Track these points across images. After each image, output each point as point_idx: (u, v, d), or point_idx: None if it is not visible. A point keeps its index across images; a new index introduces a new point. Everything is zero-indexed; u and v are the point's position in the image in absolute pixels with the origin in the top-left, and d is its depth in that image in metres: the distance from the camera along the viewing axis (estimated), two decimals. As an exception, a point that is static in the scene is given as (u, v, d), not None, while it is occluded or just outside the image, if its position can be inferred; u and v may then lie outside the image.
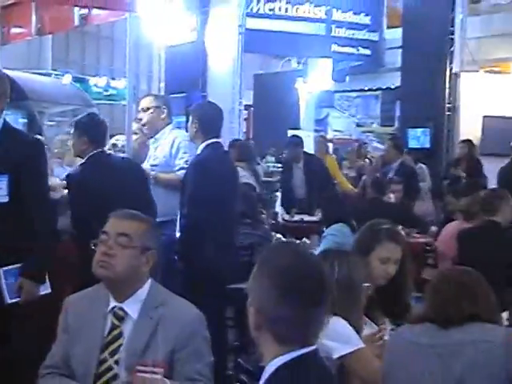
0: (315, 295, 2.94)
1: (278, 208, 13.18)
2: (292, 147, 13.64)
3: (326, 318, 3.11)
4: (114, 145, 8.95)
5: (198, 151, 7.61)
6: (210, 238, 7.20)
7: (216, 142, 7.70)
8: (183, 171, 7.87)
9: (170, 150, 8.14)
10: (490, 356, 3.80)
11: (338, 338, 4.35)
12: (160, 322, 4.13)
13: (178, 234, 7.59)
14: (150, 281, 4.28)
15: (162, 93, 16.37)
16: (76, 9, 10.96)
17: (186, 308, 4.29)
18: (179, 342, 4.07)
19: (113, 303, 4.20)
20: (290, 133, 16.94)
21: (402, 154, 13.25)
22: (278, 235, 10.15)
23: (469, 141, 14.56)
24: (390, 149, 13.40)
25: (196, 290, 6.47)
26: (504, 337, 3.89)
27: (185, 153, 8.15)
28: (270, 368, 2.88)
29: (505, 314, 5.12)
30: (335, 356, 4.32)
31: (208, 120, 7.83)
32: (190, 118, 7.76)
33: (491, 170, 13.00)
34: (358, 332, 4.53)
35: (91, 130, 7.01)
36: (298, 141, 13.87)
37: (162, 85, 16.66)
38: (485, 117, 15.95)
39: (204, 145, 7.58)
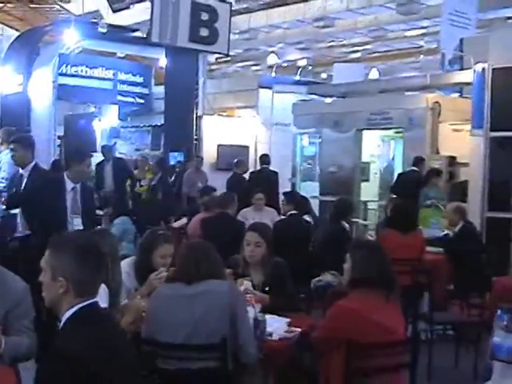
0: (102, 261, 3.06)
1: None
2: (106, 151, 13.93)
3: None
4: None
5: (29, 168, 7.54)
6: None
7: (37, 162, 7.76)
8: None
9: None
10: (219, 301, 3.99)
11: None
12: None
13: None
14: None
15: (-2, 128, 15.95)
16: None
17: (16, 280, 4.16)
18: (12, 306, 3.97)
19: None
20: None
21: (160, 171, 13.43)
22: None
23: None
24: (154, 166, 13.54)
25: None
26: (228, 288, 4.12)
27: (4, 171, 8.11)
28: (68, 314, 2.91)
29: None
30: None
31: (34, 146, 7.81)
32: (20, 147, 7.56)
33: (223, 179, 13.35)
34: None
35: None
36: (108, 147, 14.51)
37: (-2, 122, 16.14)
38: (219, 145, 16.31)
39: (33, 164, 7.58)
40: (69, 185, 7.14)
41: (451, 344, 7.32)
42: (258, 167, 14.92)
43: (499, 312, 6.09)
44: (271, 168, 13.55)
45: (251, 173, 13.45)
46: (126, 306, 4.63)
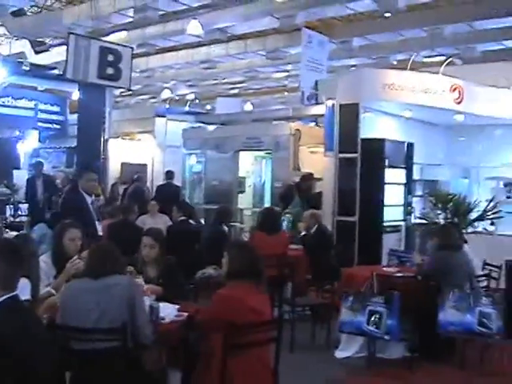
0: (22, 260, 2.99)
1: (8, 213, 12.70)
2: (36, 166, 13.48)
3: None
4: None
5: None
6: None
7: None
8: None
9: None
10: (121, 292, 3.92)
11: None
12: None
13: None
14: None
15: None
16: None
17: None
18: None
19: None
20: (15, 172, 16.45)
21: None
22: (7, 230, 9.73)
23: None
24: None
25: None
26: (128, 281, 4.07)
27: None
28: None
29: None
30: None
31: None
32: None
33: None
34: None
35: None
36: (38, 163, 13.92)
37: None
38: (122, 163, 16.04)
39: None
40: (88, 199, 7.11)
41: (309, 322, 7.46)
42: (155, 181, 14.86)
43: (345, 296, 6.29)
44: (174, 182, 13.51)
45: (158, 186, 13.40)
46: (44, 300, 4.51)
